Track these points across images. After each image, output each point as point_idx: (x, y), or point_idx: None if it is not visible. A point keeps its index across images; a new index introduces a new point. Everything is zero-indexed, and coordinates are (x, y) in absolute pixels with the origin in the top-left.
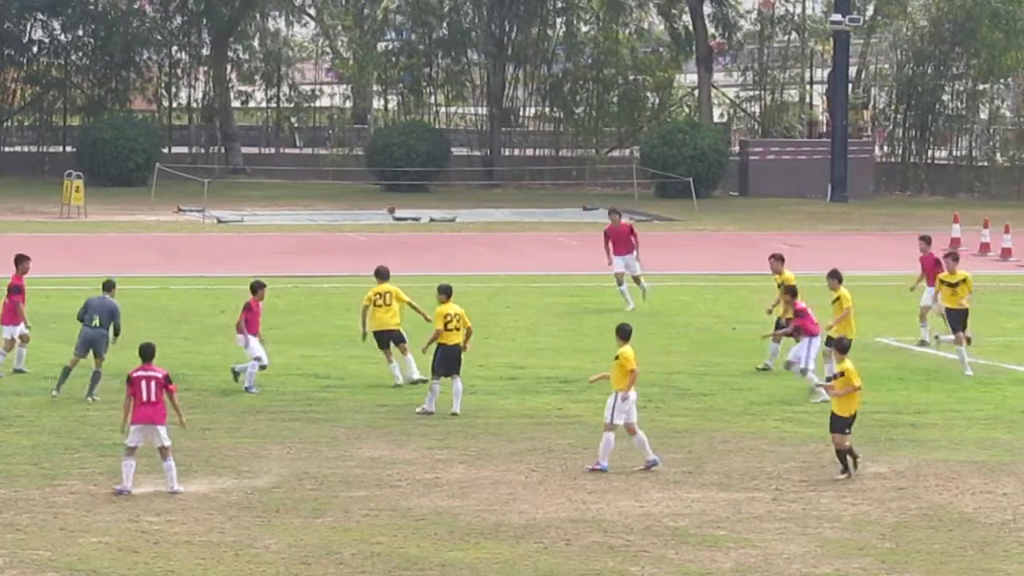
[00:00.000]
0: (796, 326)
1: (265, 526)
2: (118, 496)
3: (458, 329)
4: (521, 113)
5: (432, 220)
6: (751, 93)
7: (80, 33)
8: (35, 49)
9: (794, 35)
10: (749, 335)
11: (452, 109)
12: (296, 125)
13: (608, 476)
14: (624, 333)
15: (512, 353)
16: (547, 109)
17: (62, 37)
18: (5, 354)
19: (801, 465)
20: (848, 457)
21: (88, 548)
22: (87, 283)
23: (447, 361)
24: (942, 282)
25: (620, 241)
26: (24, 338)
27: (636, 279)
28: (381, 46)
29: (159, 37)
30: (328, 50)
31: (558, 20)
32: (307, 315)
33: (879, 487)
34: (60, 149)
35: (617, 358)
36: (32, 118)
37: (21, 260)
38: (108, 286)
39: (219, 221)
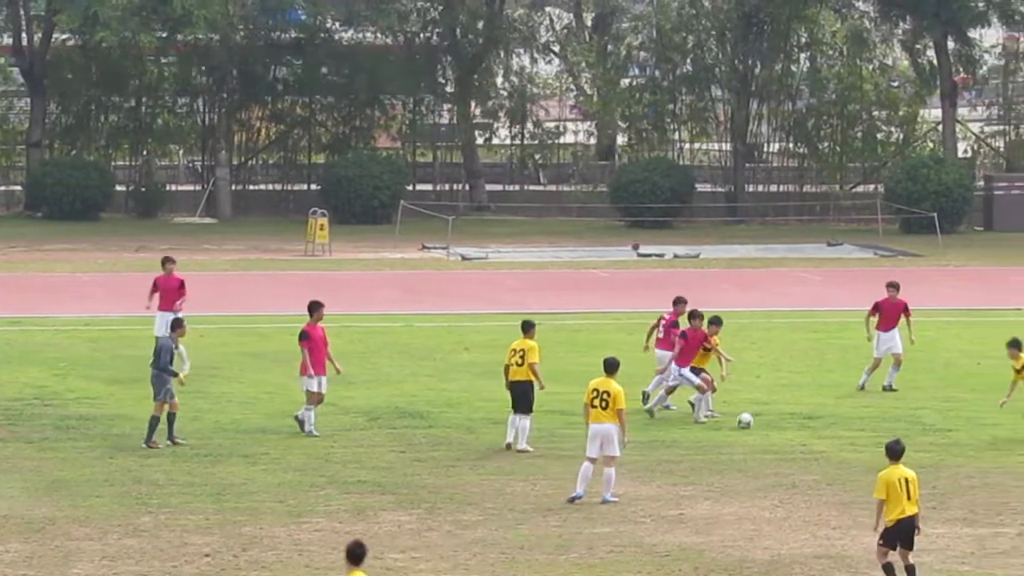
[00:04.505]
0: None
1: (510, 563)
2: None
3: (519, 365)
4: (765, 149)
5: (676, 256)
6: (996, 128)
7: (325, 71)
8: (280, 88)
9: None
10: (994, 370)
11: (696, 145)
12: (540, 162)
13: (852, 511)
14: (611, 366)
15: (756, 389)
16: (791, 145)
17: (306, 76)
18: (313, 409)
19: None
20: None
21: None
22: (332, 320)
23: (511, 397)
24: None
25: (167, 294)
26: (319, 398)
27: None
28: (624, 82)
29: (403, 75)
30: (572, 87)
31: (802, 56)
32: (551, 352)
33: None
34: (304, 187)
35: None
36: (277, 156)
37: (314, 308)
38: (174, 325)
39: (463, 258)
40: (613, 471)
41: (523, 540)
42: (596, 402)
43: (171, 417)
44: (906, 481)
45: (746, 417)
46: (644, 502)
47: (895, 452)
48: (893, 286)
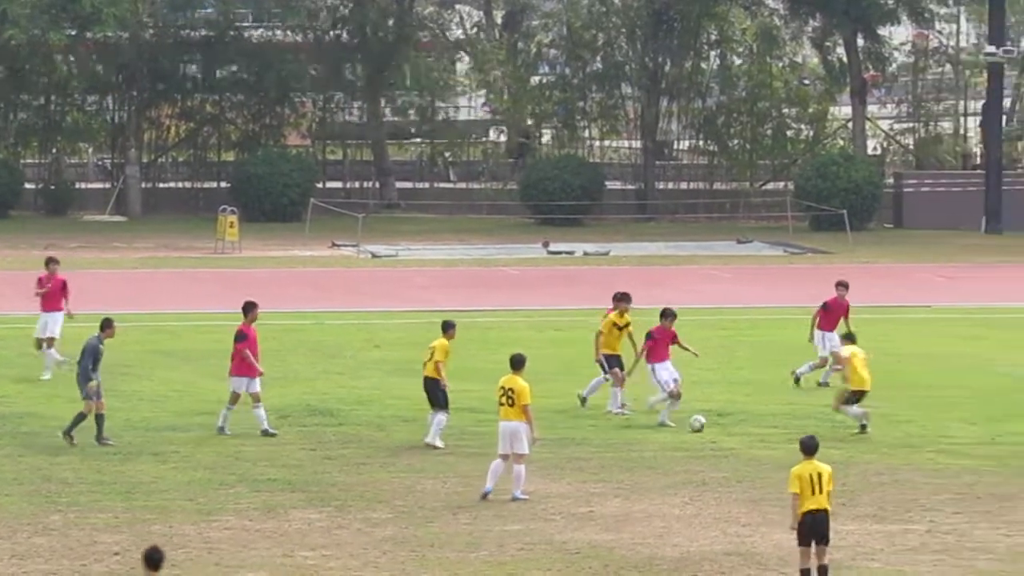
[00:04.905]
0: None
1: (420, 560)
2: None
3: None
4: (675, 146)
5: (586, 254)
6: (905, 125)
7: (235, 69)
8: (189, 85)
9: (948, 67)
10: (905, 367)
11: (606, 143)
12: (450, 159)
13: (762, 508)
14: (517, 363)
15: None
16: (701, 142)
17: (216, 73)
18: (232, 408)
19: (955, 497)
20: None
21: None
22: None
23: (425, 393)
24: None
25: (49, 295)
26: (254, 397)
27: (49, 342)
28: (535, 80)
29: (313, 73)
30: (482, 84)
31: (712, 53)
32: (461, 349)
33: None
34: (214, 185)
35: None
36: (186, 154)
37: (249, 308)
38: (103, 325)
39: (373, 256)
40: (523, 468)
41: (433, 538)
42: (503, 399)
43: (99, 418)
44: (819, 476)
45: (699, 420)
46: (554, 499)
47: (809, 448)
48: (843, 285)
